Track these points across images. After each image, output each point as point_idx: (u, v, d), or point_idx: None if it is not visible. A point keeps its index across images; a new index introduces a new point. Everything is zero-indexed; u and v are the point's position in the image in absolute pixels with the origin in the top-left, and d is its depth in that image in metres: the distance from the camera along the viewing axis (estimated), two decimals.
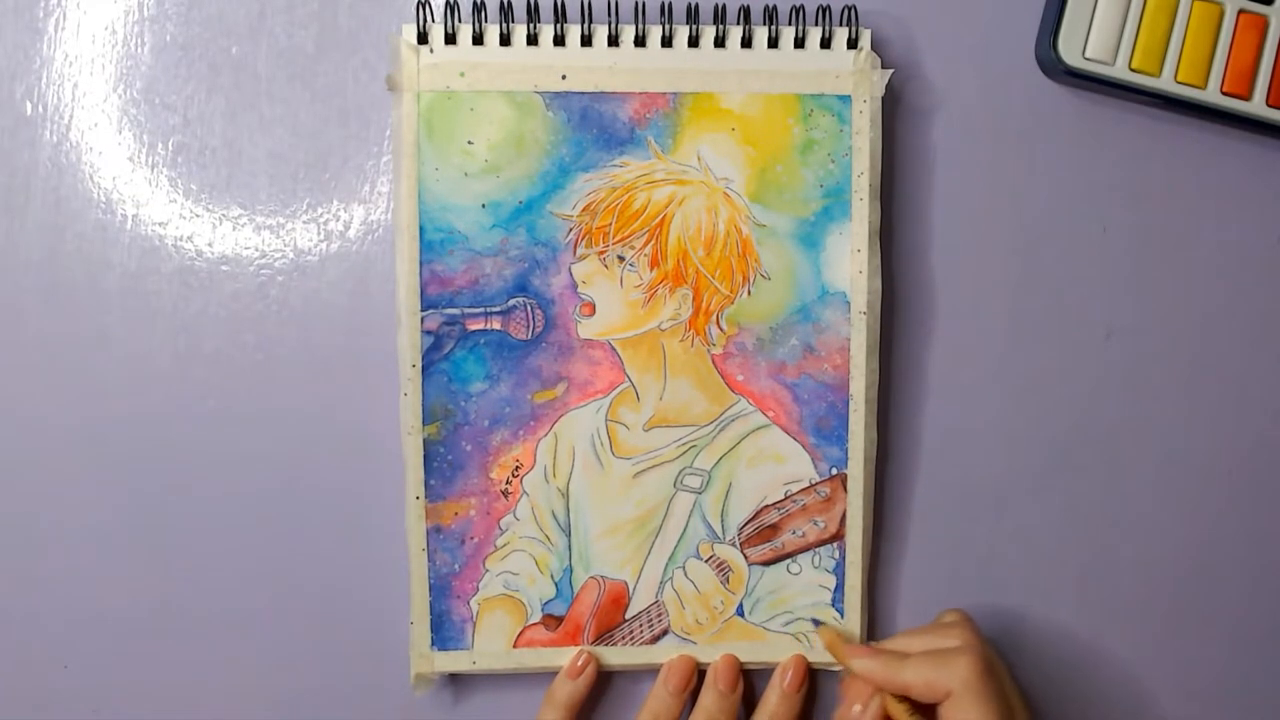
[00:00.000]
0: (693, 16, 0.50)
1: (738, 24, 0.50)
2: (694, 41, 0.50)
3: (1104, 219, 0.53)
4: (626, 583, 0.51)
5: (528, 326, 0.50)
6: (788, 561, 0.52)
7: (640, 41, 0.50)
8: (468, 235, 0.50)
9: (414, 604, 0.51)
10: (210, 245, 0.51)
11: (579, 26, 0.50)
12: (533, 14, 0.49)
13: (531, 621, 0.51)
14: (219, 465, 0.51)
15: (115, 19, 0.51)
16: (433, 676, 0.51)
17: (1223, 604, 0.55)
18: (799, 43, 0.50)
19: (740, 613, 0.52)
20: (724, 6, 0.50)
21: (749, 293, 0.51)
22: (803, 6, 0.50)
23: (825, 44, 0.50)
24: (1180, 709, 0.55)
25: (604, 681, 0.53)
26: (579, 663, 0.51)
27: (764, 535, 0.51)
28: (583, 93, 0.50)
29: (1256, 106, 0.52)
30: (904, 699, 0.48)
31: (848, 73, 0.50)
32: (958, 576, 0.54)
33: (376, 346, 0.51)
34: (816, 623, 0.52)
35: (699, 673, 0.51)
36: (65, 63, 0.51)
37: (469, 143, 0.50)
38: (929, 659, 0.47)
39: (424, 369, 0.50)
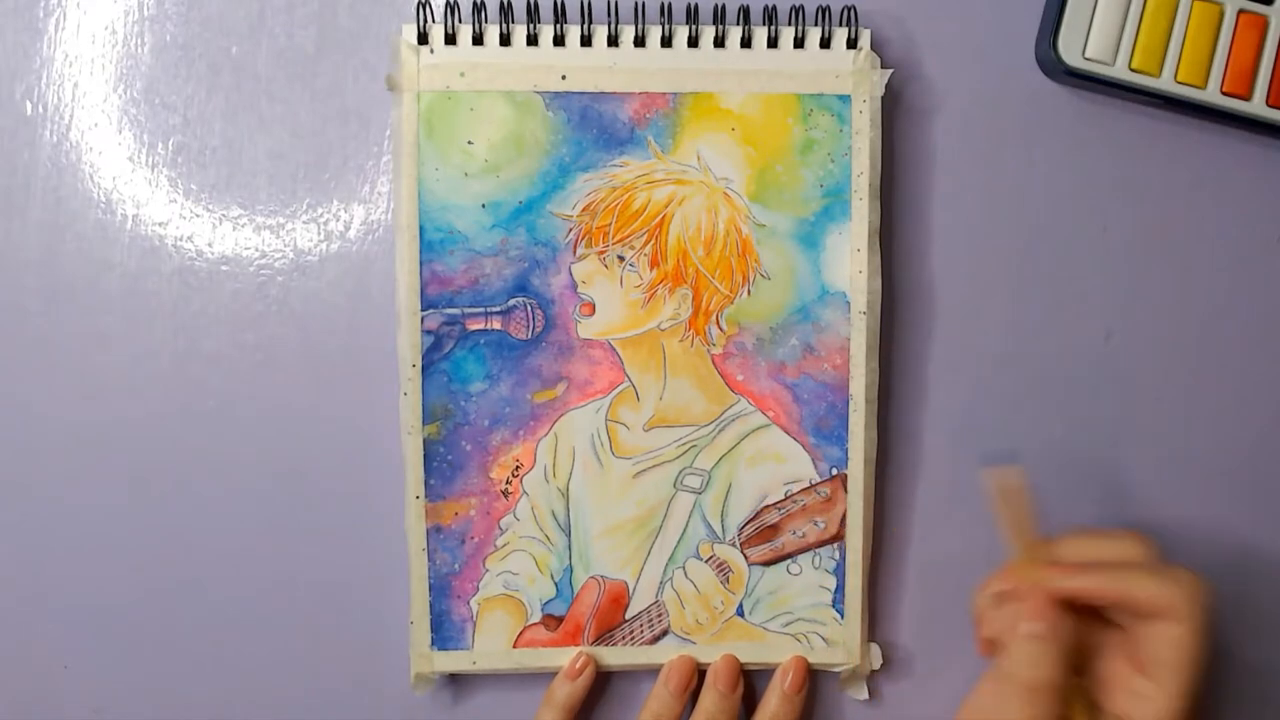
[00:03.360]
0: (692, 16, 0.50)
1: (737, 24, 0.50)
2: (694, 41, 0.50)
3: (1104, 219, 0.53)
4: (626, 583, 0.51)
5: (528, 326, 0.50)
6: (788, 562, 0.52)
7: (640, 41, 0.50)
8: (468, 235, 0.50)
9: (414, 604, 0.51)
10: (210, 245, 0.51)
11: (579, 27, 0.50)
12: (533, 14, 0.49)
13: (531, 621, 0.51)
14: (219, 465, 0.51)
15: (115, 19, 0.51)
16: (433, 676, 0.51)
17: (1222, 604, 0.54)
18: (799, 43, 0.50)
19: (740, 613, 0.52)
20: (724, 6, 0.50)
21: (749, 293, 0.51)
22: (802, 6, 0.50)
23: (825, 44, 0.50)
24: None
25: (604, 682, 0.53)
26: (578, 664, 0.51)
27: (764, 535, 0.51)
28: (583, 93, 0.50)
29: (1256, 106, 0.52)
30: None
31: (847, 73, 0.50)
32: (958, 577, 0.53)
33: (376, 346, 0.51)
34: (993, 460, 0.47)
35: (699, 673, 0.51)
36: (65, 63, 0.51)
37: (469, 143, 0.50)
38: (1155, 574, 0.44)
39: (424, 369, 0.50)
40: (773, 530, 0.51)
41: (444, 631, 0.51)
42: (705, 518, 0.51)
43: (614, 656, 0.51)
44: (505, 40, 0.49)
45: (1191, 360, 0.54)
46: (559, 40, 0.50)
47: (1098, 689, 0.46)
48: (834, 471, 0.51)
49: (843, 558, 0.52)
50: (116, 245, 0.51)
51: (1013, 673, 0.44)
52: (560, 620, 0.51)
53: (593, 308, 0.51)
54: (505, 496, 0.51)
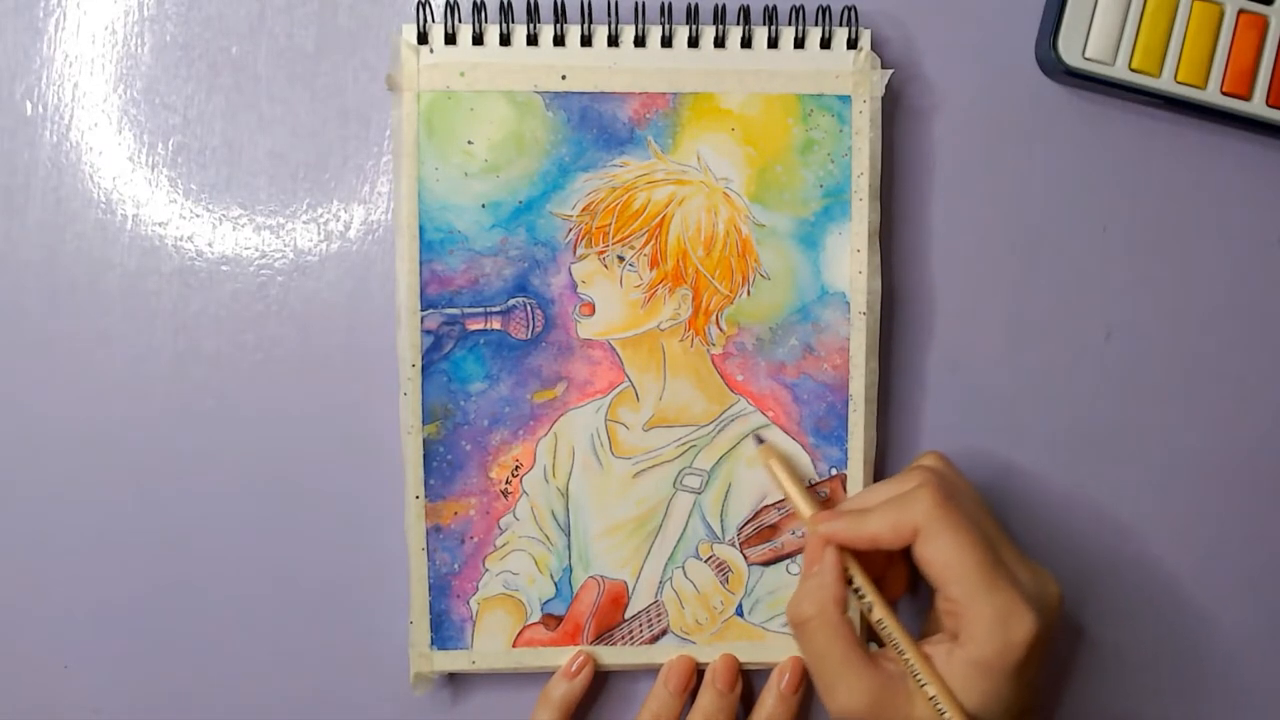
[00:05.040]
0: (692, 16, 0.50)
1: (738, 24, 0.50)
2: (694, 42, 0.50)
3: (1104, 219, 0.53)
4: (626, 582, 0.51)
5: (528, 326, 0.50)
6: (787, 562, 0.52)
7: (640, 41, 0.50)
8: (468, 235, 0.50)
9: (413, 603, 0.51)
10: (210, 245, 0.51)
11: (579, 26, 0.50)
12: (533, 14, 0.49)
13: (531, 621, 0.51)
14: (219, 465, 0.51)
15: (115, 19, 0.51)
16: (432, 676, 0.51)
17: (1223, 604, 0.55)
18: (799, 43, 0.50)
19: (739, 613, 0.52)
20: (724, 6, 0.50)
21: (749, 293, 0.51)
22: (802, 6, 0.50)
23: (825, 44, 0.50)
24: (1179, 709, 0.55)
25: (603, 681, 0.53)
26: (575, 664, 0.51)
27: (763, 535, 0.51)
28: (583, 93, 0.50)
29: (1256, 106, 0.52)
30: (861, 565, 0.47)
31: (848, 73, 0.50)
32: None
33: (376, 346, 0.51)
34: (760, 440, 0.51)
35: (699, 673, 0.52)
36: (65, 63, 0.51)
37: (469, 143, 0.50)
38: (891, 504, 0.45)
39: (424, 369, 0.50)
40: (772, 530, 0.51)
41: (443, 631, 0.51)
42: (705, 518, 0.51)
43: (613, 656, 0.51)
44: (505, 40, 0.49)
45: (1191, 360, 0.54)
46: (559, 40, 0.50)
47: (940, 618, 0.46)
48: (834, 471, 0.51)
49: None
50: (116, 245, 0.51)
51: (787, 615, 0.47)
52: (560, 620, 0.51)
53: (593, 308, 0.51)
54: (505, 496, 0.51)
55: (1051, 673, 0.54)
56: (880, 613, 0.46)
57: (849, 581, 0.47)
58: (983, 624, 0.43)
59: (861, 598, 0.46)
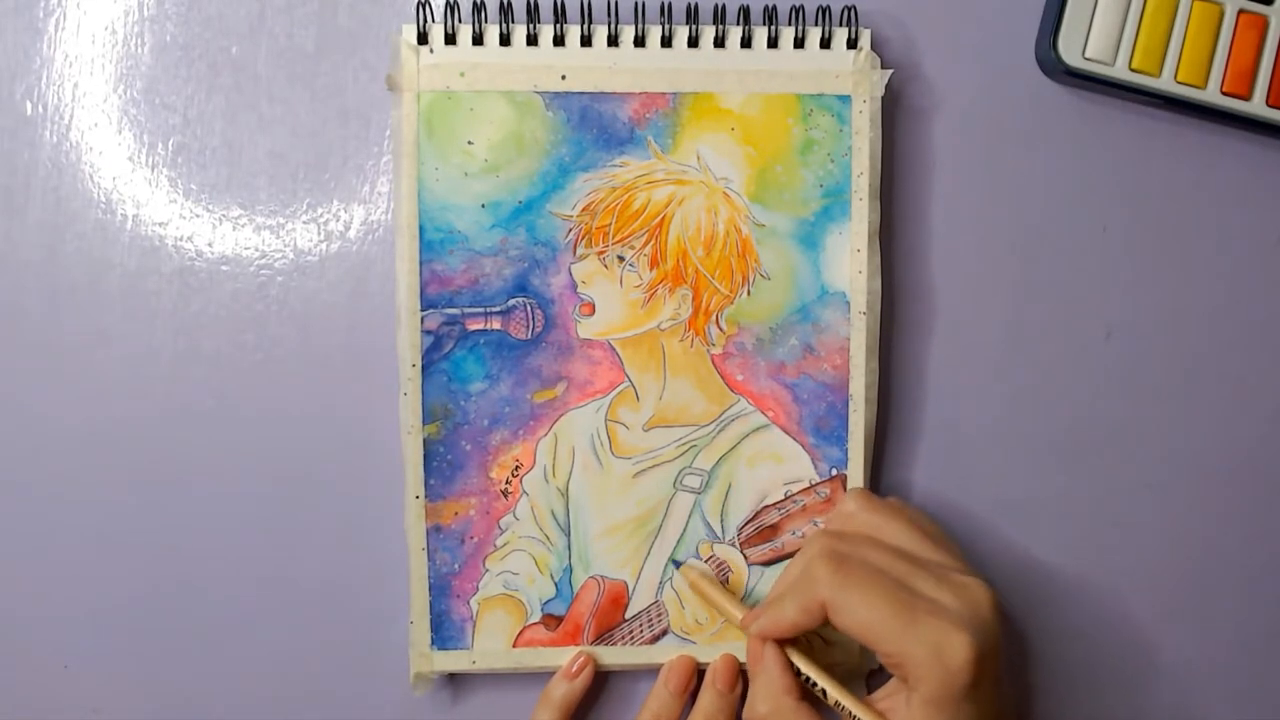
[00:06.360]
0: (692, 16, 0.50)
1: (737, 24, 0.50)
2: (694, 41, 0.50)
3: (1104, 219, 0.53)
4: (626, 582, 0.51)
5: (528, 326, 0.50)
6: (787, 562, 0.51)
7: (640, 41, 0.50)
8: (468, 235, 0.50)
9: (414, 603, 0.51)
10: (210, 245, 0.51)
11: (579, 26, 0.50)
12: (532, 14, 0.49)
13: (531, 621, 0.51)
14: (219, 465, 0.51)
15: (115, 19, 0.51)
16: (432, 676, 0.51)
17: (1223, 604, 0.55)
18: (799, 43, 0.50)
19: None
20: (724, 6, 0.50)
21: (749, 293, 0.51)
22: (802, 6, 0.50)
23: (825, 44, 0.50)
24: (1178, 710, 0.55)
25: (603, 681, 0.53)
26: (575, 664, 0.51)
27: (764, 535, 0.51)
28: (582, 93, 0.50)
29: (1256, 106, 0.52)
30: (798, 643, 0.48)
31: (847, 73, 0.50)
32: None
33: (376, 346, 0.51)
34: (677, 564, 0.51)
35: (699, 673, 0.51)
36: (65, 63, 0.51)
37: (469, 143, 0.50)
38: (794, 589, 0.46)
39: (424, 369, 0.50)
40: (772, 530, 0.51)
41: (444, 631, 0.51)
42: (705, 518, 0.51)
43: (613, 656, 0.51)
44: (505, 40, 0.49)
45: (1191, 360, 0.54)
46: (559, 40, 0.50)
47: (888, 669, 0.46)
48: (834, 472, 0.51)
49: None
50: (116, 245, 0.51)
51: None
52: (560, 620, 0.51)
53: (593, 308, 0.51)
54: (505, 496, 0.51)
55: (1047, 674, 0.54)
56: (835, 694, 0.46)
57: (796, 672, 0.47)
58: (919, 664, 0.43)
59: (813, 685, 0.47)
